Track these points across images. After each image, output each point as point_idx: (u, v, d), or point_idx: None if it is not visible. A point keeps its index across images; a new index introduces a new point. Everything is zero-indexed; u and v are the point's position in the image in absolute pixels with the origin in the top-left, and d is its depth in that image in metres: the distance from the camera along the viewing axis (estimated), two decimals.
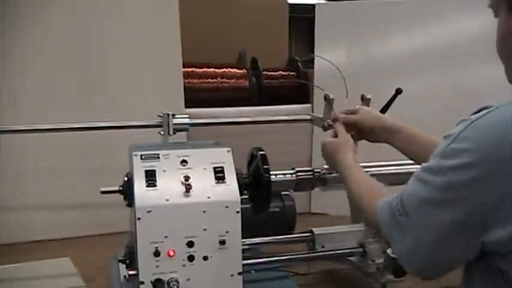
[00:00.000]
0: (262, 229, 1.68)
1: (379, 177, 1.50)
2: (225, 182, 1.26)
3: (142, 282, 1.19)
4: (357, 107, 1.44)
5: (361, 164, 1.48)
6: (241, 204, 1.26)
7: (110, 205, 1.72)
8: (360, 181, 1.14)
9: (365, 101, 1.57)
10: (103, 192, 1.29)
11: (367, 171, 1.48)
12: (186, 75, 2.57)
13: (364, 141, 1.43)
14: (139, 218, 1.20)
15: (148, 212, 1.20)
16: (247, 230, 1.30)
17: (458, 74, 2.38)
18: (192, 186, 1.24)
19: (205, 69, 2.67)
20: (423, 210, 0.85)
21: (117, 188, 1.29)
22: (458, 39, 2.31)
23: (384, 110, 1.59)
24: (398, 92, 1.55)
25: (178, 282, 1.20)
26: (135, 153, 1.27)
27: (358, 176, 1.16)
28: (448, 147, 0.82)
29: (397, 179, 1.51)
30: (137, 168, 1.24)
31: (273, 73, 2.84)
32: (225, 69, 2.70)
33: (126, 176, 1.29)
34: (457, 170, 0.80)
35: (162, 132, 1.55)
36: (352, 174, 1.17)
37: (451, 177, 0.81)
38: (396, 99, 1.57)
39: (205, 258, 1.23)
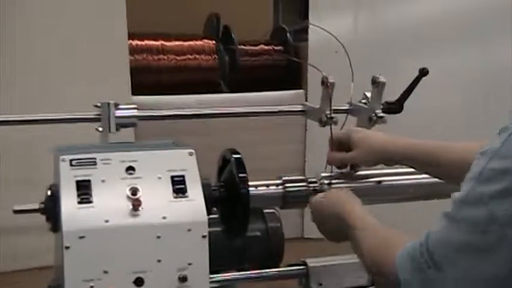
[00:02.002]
0: (238, 260, 1.68)
1: (395, 189, 1.51)
2: (186, 196, 1.26)
3: None
4: (352, 129, 1.40)
5: (370, 172, 1.49)
6: (210, 226, 1.26)
7: (28, 230, 1.70)
8: (370, 236, 1.08)
9: (377, 85, 1.58)
10: (17, 212, 1.27)
11: (380, 181, 1.49)
12: (134, 50, 2.55)
13: None
14: (67, 247, 1.19)
15: (81, 238, 1.19)
16: (218, 262, 1.29)
17: (492, 48, 2.40)
18: (142, 202, 1.23)
19: (160, 42, 2.66)
20: (460, 260, 0.83)
21: (36, 206, 1.28)
22: (492, 3, 2.34)
23: (403, 98, 1.60)
24: (423, 73, 1.56)
25: None
26: (63, 157, 1.26)
27: (368, 231, 1.10)
28: (486, 167, 0.81)
29: (419, 192, 1.52)
30: (65, 179, 1.23)
31: (252, 47, 2.85)
32: (188, 42, 2.70)
33: (50, 189, 1.27)
34: (501, 197, 0.78)
35: (101, 129, 1.54)
36: (358, 231, 1.12)
37: (493, 208, 0.79)
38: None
39: None
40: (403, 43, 2.50)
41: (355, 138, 1.35)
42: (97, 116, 1.54)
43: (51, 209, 1.25)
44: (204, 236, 1.25)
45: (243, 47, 2.80)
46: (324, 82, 1.57)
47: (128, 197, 1.23)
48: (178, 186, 1.26)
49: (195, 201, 1.26)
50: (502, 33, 2.35)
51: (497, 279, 0.81)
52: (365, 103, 1.63)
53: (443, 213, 0.87)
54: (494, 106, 2.06)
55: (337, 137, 1.41)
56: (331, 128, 1.47)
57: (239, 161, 1.40)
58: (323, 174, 1.46)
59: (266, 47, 2.89)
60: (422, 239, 0.89)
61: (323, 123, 1.58)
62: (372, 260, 1.04)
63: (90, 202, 1.21)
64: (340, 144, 1.39)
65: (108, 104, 1.54)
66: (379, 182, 1.50)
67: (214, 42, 2.74)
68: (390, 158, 1.31)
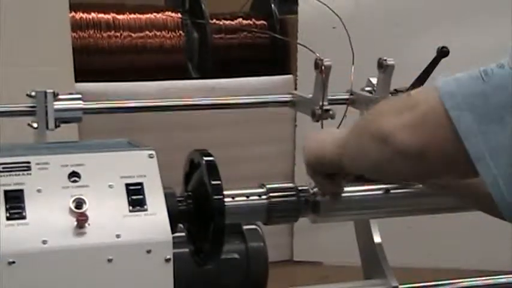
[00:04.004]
0: None
1: (406, 200, 1.52)
2: (145, 210, 1.26)
3: None
4: None
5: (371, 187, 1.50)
6: (175, 247, 1.26)
7: None
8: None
9: (384, 69, 1.60)
10: None
11: (388, 189, 1.51)
12: (78, 25, 2.54)
13: None
14: None
15: (11, 263, 1.18)
16: None
17: None
18: (89, 217, 1.23)
19: (112, 15, 2.66)
20: None
21: None
22: None
23: (418, 84, 1.62)
24: (443, 53, 1.57)
25: None
26: None
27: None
28: None
29: (436, 203, 1.53)
30: None
31: (227, 22, 2.85)
32: (146, 15, 2.70)
33: None
34: None
35: (36, 125, 1.53)
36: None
37: None
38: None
39: None
40: (416, 17, 2.51)
41: None
42: (31, 109, 1.54)
43: None
44: (167, 260, 1.25)
45: (215, 21, 2.80)
46: (318, 65, 1.58)
47: (72, 211, 1.22)
48: (135, 197, 1.26)
49: (156, 216, 1.26)
50: None
51: None
52: (369, 91, 1.64)
53: None
54: None
55: None
56: (322, 124, 1.47)
57: (211, 165, 1.40)
58: None
59: (245, 22, 2.89)
60: None
61: (317, 117, 1.59)
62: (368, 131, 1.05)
63: (23, 218, 1.21)
64: None
65: (45, 93, 1.54)
66: (387, 190, 1.51)
67: (179, 15, 2.74)
68: None
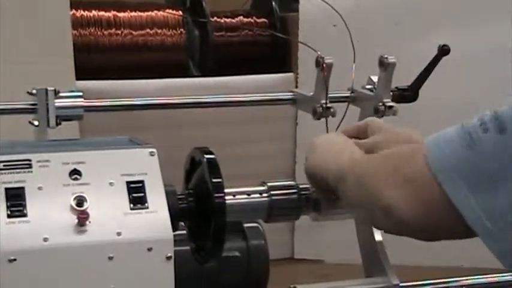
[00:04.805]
0: (212, 287, 1.68)
1: None
2: (146, 207, 1.26)
3: None
4: (369, 120, 1.39)
5: None
6: (176, 244, 1.26)
7: None
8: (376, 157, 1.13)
9: (385, 67, 1.60)
10: None
11: None
12: (79, 23, 2.54)
13: None
14: None
15: (12, 261, 1.18)
16: None
17: None
18: (90, 214, 1.23)
19: (112, 13, 2.66)
20: None
21: None
22: None
23: (418, 83, 1.62)
24: (444, 51, 1.57)
25: None
26: None
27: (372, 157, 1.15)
28: None
29: None
30: None
31: (228, 20, 2.85)
32: (147, 13, 2.70)
33: None
34: None
35: (37, 123, 1.53)
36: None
37: None
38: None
39: None
40: (417, 14, 2.51)
41: (377, 128, 1.34)
42: (32, 106, 1.54)
43: None
44: (168, 257, 1.25)
45: (216, 19, 2.80)
46: (319, 63, 1.58)
47: (73, 209, 1.22)
48: (136, 195, 1.26)
49: (158, 214, 1.26)
50: None
51: None
52: (370, 89, 1.64)
53: None
54: None
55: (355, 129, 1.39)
56: (326, 122, 1.47)
57: (212, 163, 1.40)
58: None
59: (246, 19, 2.89)
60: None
61: (318, 115, 1.59)
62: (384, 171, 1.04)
63: (24, 215, 1.21)
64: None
65: (46, 90, 1.54)
66: None
67: (180, 13, 2.74)
68: None
